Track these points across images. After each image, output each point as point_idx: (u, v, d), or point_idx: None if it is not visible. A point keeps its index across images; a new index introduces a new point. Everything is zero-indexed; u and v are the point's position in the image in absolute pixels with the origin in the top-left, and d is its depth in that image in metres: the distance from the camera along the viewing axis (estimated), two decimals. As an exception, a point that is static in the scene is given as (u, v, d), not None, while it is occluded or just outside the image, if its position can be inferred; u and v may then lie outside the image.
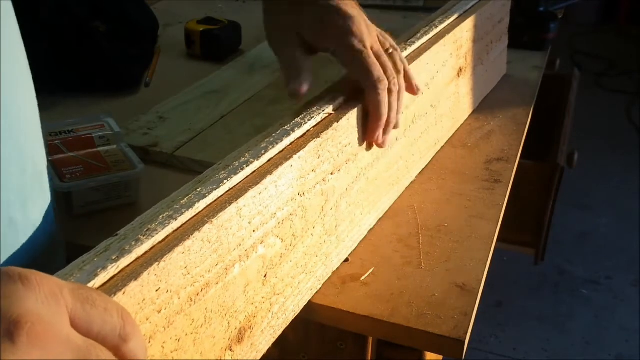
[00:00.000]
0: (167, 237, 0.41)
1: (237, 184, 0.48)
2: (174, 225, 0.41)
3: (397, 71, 0.65)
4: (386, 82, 0.63)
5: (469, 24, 0.88)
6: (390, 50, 0.66)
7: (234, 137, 0.86)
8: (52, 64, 0.96)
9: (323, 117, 0.59)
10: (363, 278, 0.62)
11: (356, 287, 0.61)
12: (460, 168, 0.81)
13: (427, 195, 0.76)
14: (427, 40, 0.78)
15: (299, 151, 0.53)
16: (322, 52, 0.66)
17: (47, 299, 0.29)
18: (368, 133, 0.64)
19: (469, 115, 0.95)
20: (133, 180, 0.72)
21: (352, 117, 0.61)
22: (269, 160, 0.51)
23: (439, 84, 0.80)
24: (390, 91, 0.63)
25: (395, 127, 0.67)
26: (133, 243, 0.39)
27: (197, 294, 0.42)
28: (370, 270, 0.63)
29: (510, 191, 0.79)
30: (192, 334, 0.42)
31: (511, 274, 2.04)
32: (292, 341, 0.57)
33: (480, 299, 0.61)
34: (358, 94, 0.63)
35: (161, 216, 0.42)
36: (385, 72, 0.63)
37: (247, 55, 1.14)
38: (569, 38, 3.65)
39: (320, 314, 0.58)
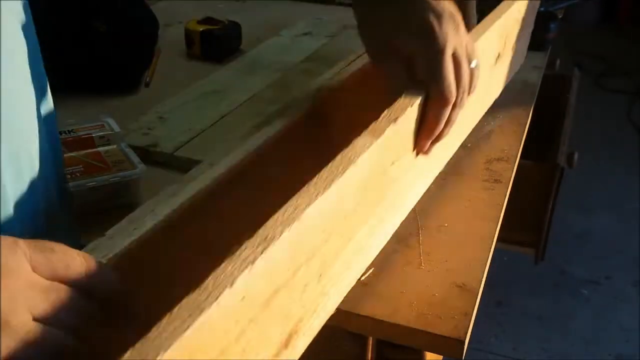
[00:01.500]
0: (154, 231, 0.41)
1: (218, 178, 0.47)
2: (156, 219, 0.42)
3: (471, 88, 0.59)
4: (454, 96, 0.56)
5: (521, 9, 0.83)
6: (474, 64, 0.58)
7: (234, 137, 0.86)
8: (52, 64, 0.96)
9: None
10: (363, 278, 0.62)
11: (356, 287, 0.60)
12: (460, 168, 0.81)
13: (427, 195, 0.76)
14: (480, 25, 0.74)
15: (376, 139, 0.49)
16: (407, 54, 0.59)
17: (4, 250, 0.30)
18: (418, 141, 0.59)
19: (469, 115, 0.94)
20: (133, 180, 0.72)
21: (414, 110, 0.56)
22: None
23: (483, 71, 0.74)
24: (454, 105, 0.57)
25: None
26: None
27: (268, 301, 0.39)
28: (370, 271, 0.63)
29: (510, 191, 0.79)
30: (252, 340, 0.38)
31: (511, 274, 2.03)
32: (292, 341, 0.57)
33: (480, 299, 0.61)
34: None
35: (147, 214, 0.42)
36: (459, 83, 0.56)
37: (247, 55, 1.14)
38: (569, 38, 3.65)
39: (320, 314, 0.58)
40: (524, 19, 0.90)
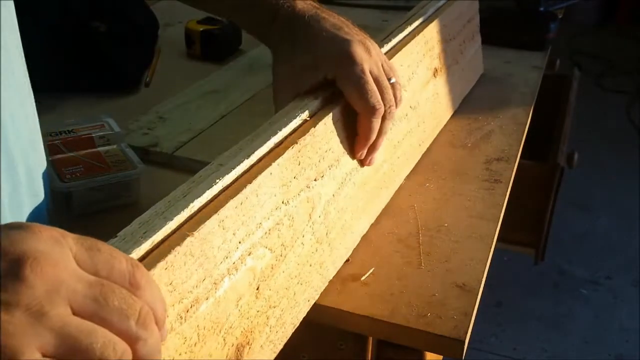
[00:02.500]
0: (164, 238, 0.40)
1: (229, 184, 0.47)
2: (171, 225, 0.41)
3: (397, 100, 0.64)
4: (382, 109, 0.61)
5: (437, 24, 0.87)
6: (393, 80, 0.64)
7: (234, 137, 0.85)
8: (52, 64, 0.96)
9: (299, 123, 0.58)
10: (363, 278, 0.62)
11: (356, 287, 0.61)
12: (460, 168, 0.81)
13: (427, 195, 0.76)
14: (399, 42, 0.78)
15: (277, 158, 0.52)
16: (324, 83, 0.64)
17: (49, 241, 0.29)
18: (355, 151, 0.64)
19: (469, 116, 0.95)
20: (133, 180, 0.72)
21: (328, 122, 0.60)
22: (255, 163, 0.51)
23: (416, 85, 0.80)
24: (384, 118, 0.62)
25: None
26: (133, 245, 0.38)
27: (187, 311, 0.40)
28: (371, 271, 0.63)
29: (510, 191, 0.79)
30: (186, 353, 0.40)
31: (511, 274, 2.04)
32: (292, 341, 0.57)
33: (480, 299, 0.61)
34: (334, 96, 0.63)
35: (157, 218, 0.41)
36: (383, 97, 0.61)
37: (247, 55, 1.14)
38: (569, 38, 3.65)
39: (320, 314, 0.58)
40: (448, 33, 0.92)
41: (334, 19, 0.65)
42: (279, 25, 0.65)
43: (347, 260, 0.64)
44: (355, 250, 0.65)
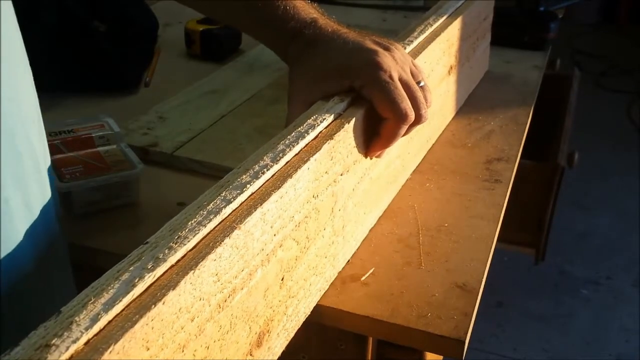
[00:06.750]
0: (197, 244, 0.41)
1: (259, 188, 0.48)
2: (204, 231, 0.41)
3: (427, 103, 0.63)
4: (413, 116, 0.60)
5: (459, 22, 0.87)
6: (422, 83, 0.64)
7: (234, 137, 0.86)
8: (52, 64, 0.96)
9: (333, 119, 0.58)
10: (363, 278, 0.62)
11: (356, 287, 0.61)
12: (460, 168, 0.81)
13: (427, 195, 0.76)
14: (423, 39, 0.78)
15: (314, 153, 0.52)
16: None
17: None
18: (371, 150, 0.63)
19: (469, 115, 0.95)
20: (133, 180, 0.71)
21: (360, 119, 0.60)
22: (286, 163, 0.51)
23: (433, 82, 0.80)
24: (414, 123, 0.61)
25: None
26: (166, 251, 0.38)
27: (225, 300, 0.42)
28: (371, 271, 0.63)
29: (510, 191, 0.79)
30: (219, 340, 0.42)
31: (511, 274, 2.04)
32: (292, 341, 0.56)
33: (481, 299, 0.61)
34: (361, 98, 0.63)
35: (190, 223, 0.41)
36: (414, 102, 0.60)
37: (247, 55, 1.14)
38: (569, 38, 3.65)
39: (320, 314, 0.58)
40: (467, 31, 0.93)
41: (356, 33, 0.65)
42: (301, 41, 0.65)
43: (347, 261, 0.64)
44: (355, 251, 0.65)
